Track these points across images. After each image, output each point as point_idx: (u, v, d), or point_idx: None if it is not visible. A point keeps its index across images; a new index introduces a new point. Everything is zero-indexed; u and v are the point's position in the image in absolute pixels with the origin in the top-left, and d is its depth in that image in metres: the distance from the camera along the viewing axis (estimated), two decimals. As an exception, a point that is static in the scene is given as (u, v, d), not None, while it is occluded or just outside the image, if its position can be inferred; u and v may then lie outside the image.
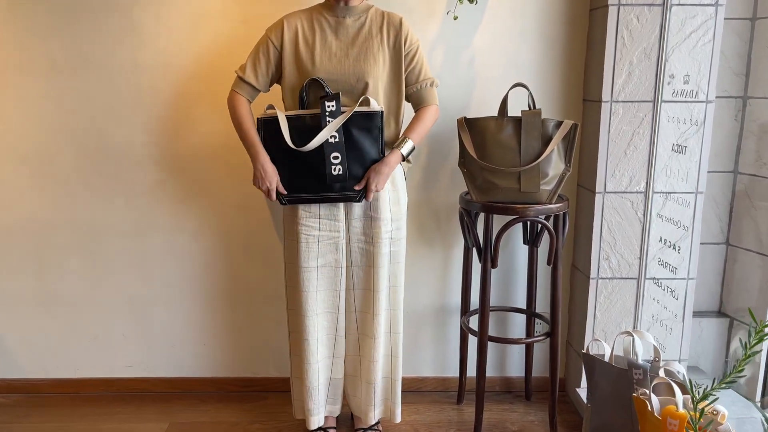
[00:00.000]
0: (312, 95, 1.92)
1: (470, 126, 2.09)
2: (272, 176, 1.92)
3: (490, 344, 2.21)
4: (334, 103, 1.86)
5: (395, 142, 1.98)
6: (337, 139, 1.87)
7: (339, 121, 1.86)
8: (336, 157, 1.89)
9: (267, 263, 2.40)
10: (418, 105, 2.02)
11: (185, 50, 2.24)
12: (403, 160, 1.98)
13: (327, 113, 1.86)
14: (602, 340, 2.05)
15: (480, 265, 2.11)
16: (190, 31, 2.23)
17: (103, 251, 2.39)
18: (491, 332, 2.20)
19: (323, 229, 1.98)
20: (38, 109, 2.28)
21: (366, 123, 1.89)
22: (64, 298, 2.42)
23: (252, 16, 2.22)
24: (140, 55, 2.24)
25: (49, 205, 2.35)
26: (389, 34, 1.93)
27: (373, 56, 1.91)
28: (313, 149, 1.86)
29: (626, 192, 2.20)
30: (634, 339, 1.92)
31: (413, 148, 1.98)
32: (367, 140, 1.90)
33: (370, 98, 1.89)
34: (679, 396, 1.65)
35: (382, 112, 1.89)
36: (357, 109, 1.87)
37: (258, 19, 2.17)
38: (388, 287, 2.05)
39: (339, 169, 1.89)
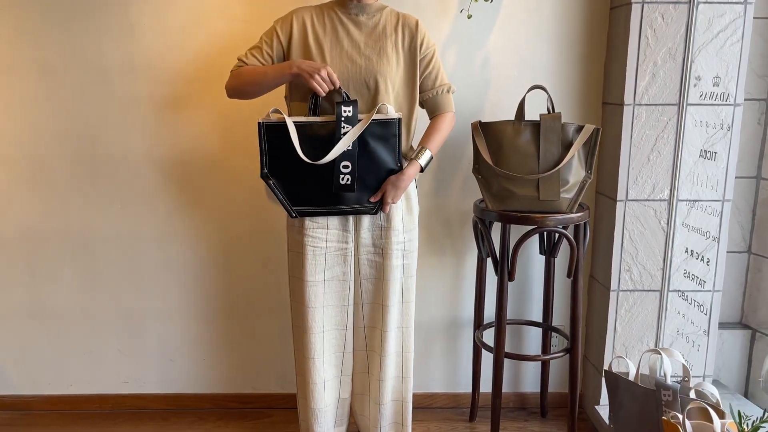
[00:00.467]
0: (325, 99, 1.80)
1: (485, 130, 1.99)
2: (317, 63, 1.76)
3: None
4: (351, 108, 1.74)
5: (407, 151, 1.88)
6: (349, 148, 1.75)
7: (357, 131, 1.74)
8: (346, 167, 1.76)
9: (268, 273, 2.31)
10: (434, 112, 1.91)
11: (183, 51, 2.15)
12: (421, 171, 1.87)
13: (343, 119, 1.74)
14: (625, 357, 1.94)
15: (494, 276, 2.01)
16: (189, 31, 2.14)
17: (97, 261, 2.29)
18: (506, 347, 2.09)
19: (331, 240, 1.87)
20: (29, 112, 2.18)
21: (382, 131, 1.77)
22: (57, 311, 2.32)
23: (253, 15, 2.13)
24: (136, 56, 2.15)
25: (41, 214, 2.26)
26: (404, 36, 1.84)
27: (387, 56, 1.81)
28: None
29: (649, 200, 2.10)
30: (661, 357, 1.81)
31: (431, 159, 1.87)
32: (384, 149, 1.78)
33: (387, 105, 1.78)
34: (717, 423, 1.53)
35: (399, 119, 1.78)
36: (375, 116, 1.75)
37: (259, 18, 2.10)
38: (399, 302, 1.94)
39: (347, 179, 1.77)
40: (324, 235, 1.86)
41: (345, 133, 1.73)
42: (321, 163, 1.73)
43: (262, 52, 1.82)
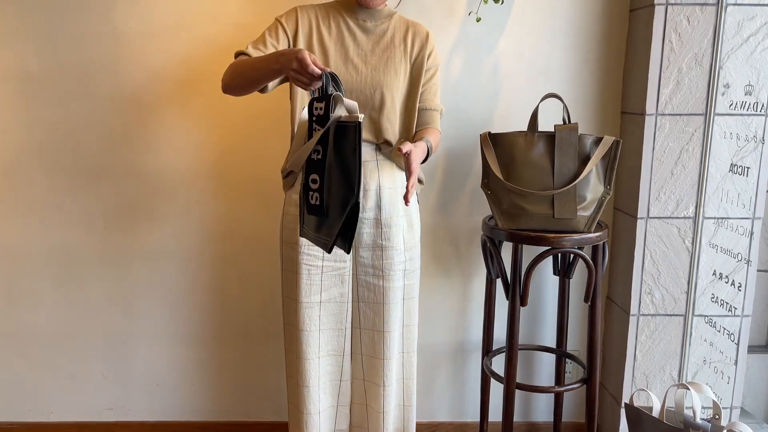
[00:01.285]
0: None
1: (495, 142, 1.86)
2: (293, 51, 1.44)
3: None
4: (323, 105, 1.40)
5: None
6: (320, 156, 1.43)
7: (318, 135, 1.42)
8: (314, 181, 1.44)
9: (263, 294, 2.19)
10: (424, 126, 1.78)
11: (170, 56, 2.04)
12: (424, 161, 1.64)
13: (314, 118, 1.43)
14: (647, 389, 1.78)
15: (505, 299, 1.86)
16: (176, 35, 2.03)
17: (79, 281, 2.18)
18: (517, 375, 1.93)
19: (327, 259, 1.73)
20: (7, 121, 2.07)
21: (344, 139, 1.42)
22: (36, 333, 2.21)
23: (244, 19, 2.01)
24: (121, 61, 2.04)
25: (20, 229, 2.14)
26: (413, 46, 1.72)
27: (394, 68, 1.69)
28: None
29: (672, 217, 1.95)
30: (689, 392, 1.65)
31: (429, 155, 1.67)
32: (346, 157, 1.42)
33: (349, 100, 1.46)
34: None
35: (359, 123, 1.40)
36: (340, 114, 1.42)
37: (250, 22, 1.99)
38: (400, 327, 1.80)
39: (316, 198, 1.44)
40: (320, 253, 1.72)
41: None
42: (288, 169, 1.50)
43: (266, 44, 1.65)
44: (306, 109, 1.49)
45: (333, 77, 1.42)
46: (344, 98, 1.42)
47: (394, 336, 1.77)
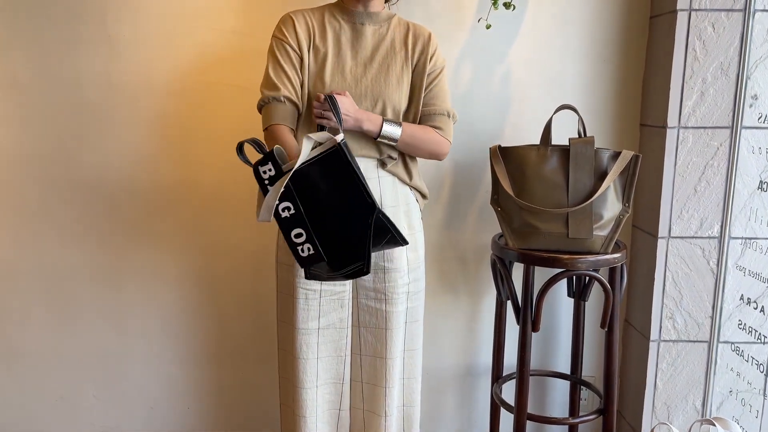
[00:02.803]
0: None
1: (505, 156, 1.76)
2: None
3: (527, 421, 1.83)
4: (270, 166, 1.39)
5: (419, 185, 1.67)
6: (292, 210, 1.40)
7: (278, 188, 1.38)
8: (299, 235, 1.41)
9: (260, 314, 2.10)
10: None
11: (166, 65, 1.97)
12: (375, 136, 1.56)
13: (266, 181, 1.40)
14: (670, 423, 1.66)
15: (516, 323, 1.75)
16: (172, 42, 1.96)
17: (71, 298, 2.11)
18: (528, 405, 1.81)
19: (326, 283, 1.62)
20: (-3, 132, 2.02)
21: (327, 169, 1.39)
22: (26, 352, 2.14)
23: (242, 26, 1.94)
24: (115, 70, 1.97)
25: (9, 245, 2.08)
26: (414, 49, 1.61)
27: (396, 77, 1.59)
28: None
29: (696, 237, 1.84)
30: (716, 427, 1.53)
31: (394, 137, 1.56)
32: (341, 188, 1.41)
33: (310, 135, 1.41)
34: None
35: (343, 142, 1.39)
36: (306, 156, 1.38)
37: (249, 28, 1.92)
38: (402, 352, 1.70)
39: (309, 249, 1.42)
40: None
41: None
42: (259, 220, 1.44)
43: (287, 74, 1.55)
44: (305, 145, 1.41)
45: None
46: (308, 135, 1.39)
47: (396, 363, 1.68)
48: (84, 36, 1.95)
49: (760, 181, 1.79)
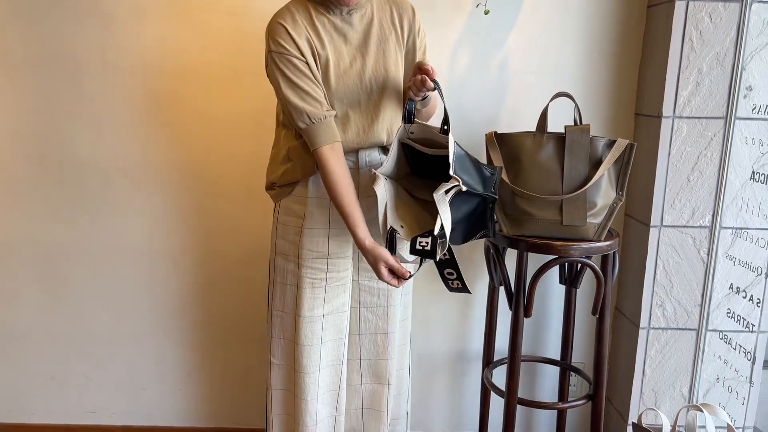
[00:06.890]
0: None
1: (501, 143, 1.76)
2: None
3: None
4: (429, 240, 1.39)
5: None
6: (447, 256, 1.53)
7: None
8: (450, 274, 1.58)
9: (255, 296, 2.09)
10: None
11: (163, 45, 1.94)
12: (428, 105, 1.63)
13: (420, 251, 1.41)
14: (657, 409, 1.68)
15: (508, 309, 1.76)
16: (170, 22, 1.93)
17: (62, 278, 2.09)
18: (519, 390, 1.83)
19: (332, 270, 1.63)
20: (-10, 109, 1.98)
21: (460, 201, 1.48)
22: (17, 332, 2.13)
23: (241, 7, 1.92)
24: (111, 50, 1.95)
25: (1, 224, 2.06)
26: (402, 27, 1.57)
27: (394, 61, 1.56)
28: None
29: (688, 226, 1.85)
30: (702, 413, 1.55)
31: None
32: (469, 206, 1.53)
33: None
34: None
35: (459, 188, 1.45)
36: (449, 185, 1.43)
37: (248, 10, 1.90)
38: (402, 323, 1.77)
39: (457, 284, 1.59)
40: (324, 265, 1.62)
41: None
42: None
43: (312, 94, 1.48)
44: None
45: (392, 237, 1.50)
46: (437, 200, 1.41)
47: (396, 336, 1.74)
48: (78, 12, 1.91)
49: (753, 172, 1.80)
